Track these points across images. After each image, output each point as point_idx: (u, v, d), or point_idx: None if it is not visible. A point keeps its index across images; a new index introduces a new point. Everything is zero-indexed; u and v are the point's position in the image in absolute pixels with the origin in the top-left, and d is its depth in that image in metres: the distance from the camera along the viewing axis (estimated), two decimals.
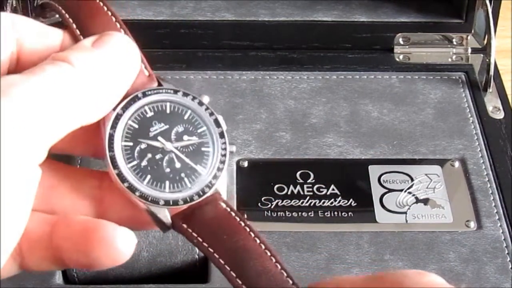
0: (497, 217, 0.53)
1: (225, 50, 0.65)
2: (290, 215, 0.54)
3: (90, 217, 0.31)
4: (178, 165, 0.32)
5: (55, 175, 0.32)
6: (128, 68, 0.31)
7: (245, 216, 0.49)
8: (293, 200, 0.54)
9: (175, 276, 0.50)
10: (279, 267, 0.31)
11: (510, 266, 0.51)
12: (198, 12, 0.65)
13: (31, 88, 0.28)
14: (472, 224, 0.53)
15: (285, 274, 0.31)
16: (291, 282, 0.31)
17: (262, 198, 0.54)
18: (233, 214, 0.32)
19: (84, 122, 0.30)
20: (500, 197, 0.55)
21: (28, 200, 0.28)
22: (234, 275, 0.30)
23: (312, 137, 0.59)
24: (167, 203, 0.31)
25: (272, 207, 0.54)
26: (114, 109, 0.32)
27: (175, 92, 0.33)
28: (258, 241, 0.31)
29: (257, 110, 0.61)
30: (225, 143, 0.33)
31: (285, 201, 0.54)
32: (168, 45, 0.65)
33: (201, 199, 0.32)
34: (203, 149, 0.33)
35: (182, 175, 0.32)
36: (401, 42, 0.66)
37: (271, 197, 0.55)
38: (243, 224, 0.32)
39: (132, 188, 0.31)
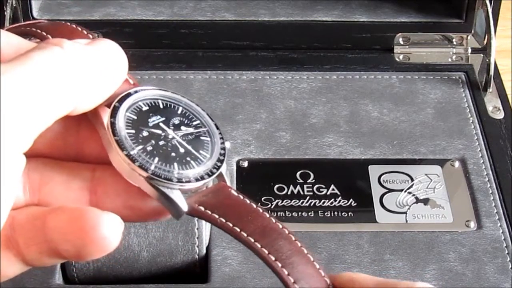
0: (497, 217, 0.53)
1: (225, 50, 0.65)
2: (290, 215, 0.54)
3: (78, 206, 0.30)
4: (182, 150, 0.32)
5: (46, 171, 0.32)
6: (116, 61, 0.31)
7: None
8: (293, 200, 0.54)
9: (175, 276, 0.50)
10: (305, 250, 0.30)
11: (510, 266, 0.51)
12: (198, 12, 0.65)
13: (18, 73, 0.27)
14: (472, 224, 0.53)
15: (312, 258, 0.30)
16: (317, 266, 0.30)
17: (262, 198, 0.54)
18: (248, 201, 0.32)
19: (70, 108, 0.29)
20: (500, 197, 0.55)
21: (10, 188, 0.27)
22: (266, 251, 0.30)
23: (312, 137, 0.59)
24: (179, 180, 0.31)
25: (272, 207, 0.54)
26: (107, 106, 0.31)
27: (165, 91, 0.33)
28: (280, 225, 0.31)
29: (257, 110, 0.61)
30: (221, 133, 0.33)
31: (285, 201, 0.54)
32: (168, 45, 0.65)
33: (210, 178, 0.32)
34: (202, 138, 0.33)
35: (188, 159, 0.32)
36: (401, 42, 0.66)
37: (271, 197, 0.55)
38: (261, 210, 0.31)
39: (143, 167, 0.30)
